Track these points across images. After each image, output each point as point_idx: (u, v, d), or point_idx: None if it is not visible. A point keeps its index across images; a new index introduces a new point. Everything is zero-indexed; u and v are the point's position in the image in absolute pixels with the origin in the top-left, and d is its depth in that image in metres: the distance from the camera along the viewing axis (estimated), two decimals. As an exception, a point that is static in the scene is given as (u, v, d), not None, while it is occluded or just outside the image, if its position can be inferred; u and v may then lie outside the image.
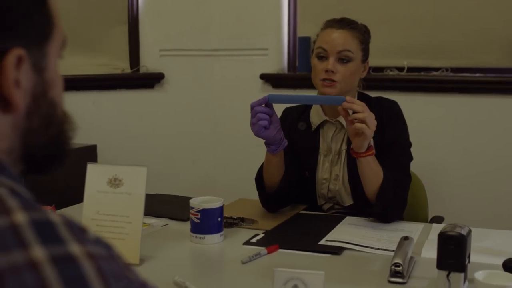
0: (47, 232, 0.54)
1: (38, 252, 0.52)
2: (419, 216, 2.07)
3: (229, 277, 1.44)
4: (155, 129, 3.21)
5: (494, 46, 2.76)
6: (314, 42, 1.89)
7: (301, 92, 2.90)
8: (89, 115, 2.99)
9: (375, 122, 1.64)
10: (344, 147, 1.88)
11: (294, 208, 1.93)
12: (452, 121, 2.81)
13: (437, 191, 2.48)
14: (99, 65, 3.11)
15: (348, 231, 1.67)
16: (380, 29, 2.32)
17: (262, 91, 3.11)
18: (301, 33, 3.12)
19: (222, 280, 1.44)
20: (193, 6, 3.19)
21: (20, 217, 0.54)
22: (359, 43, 1.83)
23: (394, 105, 1.90)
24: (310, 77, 1.87)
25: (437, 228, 1.68)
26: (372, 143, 1.69)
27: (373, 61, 1.92)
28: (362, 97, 1.88)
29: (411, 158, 1.86)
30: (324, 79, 1.80)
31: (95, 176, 1.51)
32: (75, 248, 0.54)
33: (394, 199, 1.74)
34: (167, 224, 1.78)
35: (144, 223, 1.52)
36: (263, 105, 1.70)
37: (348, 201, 1.89)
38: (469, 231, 1.26)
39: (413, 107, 2.13)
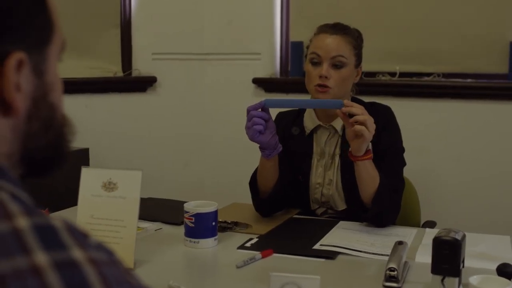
0: (49, 238, 0.54)
1: (41, 258, 0.51)
2: (412, 220, 2.08)
3: (224, 281, 1.43)
4: (147, 133, 3.20)
5: (485, 52, 2.78)
6: (307, 47, 1.90)
7: (293, 96, 2.90)
8: (81, 118, 2.95)
9: (374, 126, 1.65)
10: (337, 151, 1.89)
11: (287, 212, 1.93)
12: (444, 126, 2.82)
13: (429, 196, 2.49)
14: (92, 68, 3.10)
15: (342, 236, 1.67)
16: (372, 34, 2.32)
17: (254, 95, 3.12)
18: (293, 37, 3.13)
19: (217, 284, 1.44)
20: (185, 10, 3.19)
21: (22, 222, 0.54)
22: (352, 48, 1.83)
23: (388, 111, 1.91)
24: (303, 81, 1.88)
25: (430, 232, 1.69)
26: (370, 147, 1.69)
27: (365, 66, 1.93)
28: (355, 102, 1.88)
29: (404, 164, 1.87)
30: (318, 85, 1.80)
31: (89, 179, 1.50)
32: (77, 254, 0.54)
33: (390, 203, 1.75)
34: (160, 228, 1.78)
35: (138, 227, 1.51)
36: (260, 110, 1.70)
37: (341, 205, 1.89)
38: (464, 236, 1.27)
39: (405, 112, 2.14)
